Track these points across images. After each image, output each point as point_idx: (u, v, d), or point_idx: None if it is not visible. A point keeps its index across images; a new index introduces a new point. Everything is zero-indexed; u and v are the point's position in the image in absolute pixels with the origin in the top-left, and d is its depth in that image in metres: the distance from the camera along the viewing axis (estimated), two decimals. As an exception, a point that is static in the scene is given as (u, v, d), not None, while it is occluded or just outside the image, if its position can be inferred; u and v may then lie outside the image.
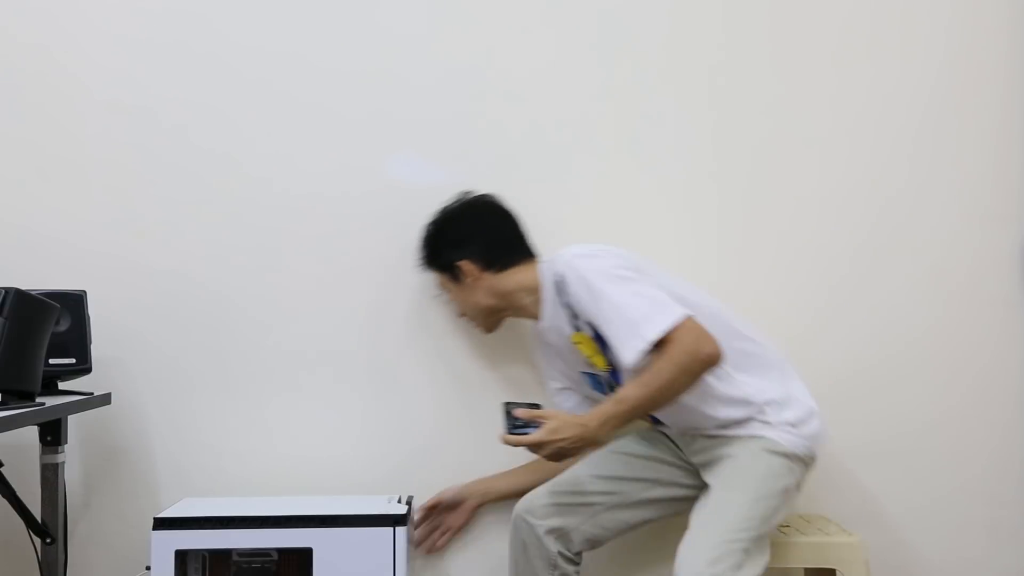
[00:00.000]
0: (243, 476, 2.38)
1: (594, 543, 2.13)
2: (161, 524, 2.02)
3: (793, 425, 2.00)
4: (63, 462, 2.15)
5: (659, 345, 1.86)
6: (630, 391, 1.88)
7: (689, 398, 1.95)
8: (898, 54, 2.49)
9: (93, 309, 2.21)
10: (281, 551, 2.05)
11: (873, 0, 2.49)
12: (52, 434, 2.13)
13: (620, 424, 1.88)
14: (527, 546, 2.10)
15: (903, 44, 2.49)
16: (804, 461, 2.02)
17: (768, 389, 2.02)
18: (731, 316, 2.07)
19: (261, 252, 2.40)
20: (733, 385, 2.00)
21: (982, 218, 2.48)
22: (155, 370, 2.38)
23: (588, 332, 2.01)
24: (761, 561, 1.84)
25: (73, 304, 2.14)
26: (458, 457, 2.40)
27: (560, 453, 1.85)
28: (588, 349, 2.05)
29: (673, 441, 2.16)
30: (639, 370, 1.88)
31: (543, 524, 2.08)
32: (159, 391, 2.39)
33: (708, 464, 2.04)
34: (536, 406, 1.93)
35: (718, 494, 1.93)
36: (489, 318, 2.22)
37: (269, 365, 2.40)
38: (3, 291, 1.81)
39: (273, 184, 2.41)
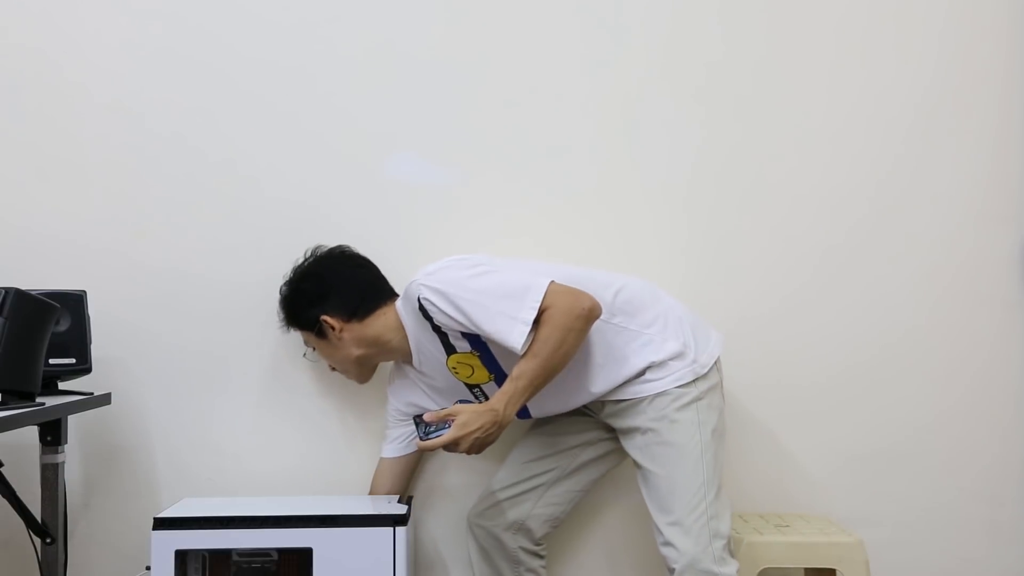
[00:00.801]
0: (243, 476, 2.38)
1: (553, 522, 2.20)
2: (161, 524, 2.02)
3: (682, 358, 2.03)
4: (63, 462, 2.15)
5: (537, 316, 1.88)
6: (524, 366, 1.89)
7: (578, 369, 2.01)
8: (895, 54, 2.49)
9: (93, 309, 2.21)
10: (281, 551, 2.05)
11: (869, 0, 2.49)
12: (52, 434, 2.12)
13: (524, 400, 1.90)
14: (487, 551, 2.18)
15: (900, 44, 2.49)
16: (707, 377, 2.05)
17: (653, 326, 2.05)
18: (591, 272, 2.08)
19: (260, 252, 2.40)
20: (627, 335, 2.03)
21: (981, 218, 2.48)
22: (155, 370, 2.38)
23: (464, 347, 2.02)
24: (727, 505, 1.99)
25: (73, 304, 2.14)
26: (457, 456, 2.40)
27: (478, 444, 1.88)
28: (466, 369, 2.07)
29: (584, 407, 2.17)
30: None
31: (497, 523, 2.16)
32: (159, 391, 2.39)
33: (627, 434, 2.07)
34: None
35: (659, 478, 1.99)
36: (361, 368, 2.21)
37: (269, 365, 2.40)
38: (3, 291, 1.81)
39: (272, 184, 2.42)
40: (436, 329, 2.01)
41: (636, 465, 2.06)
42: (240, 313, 2.40)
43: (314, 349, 2.24)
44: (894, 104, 2.48)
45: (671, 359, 2.02)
